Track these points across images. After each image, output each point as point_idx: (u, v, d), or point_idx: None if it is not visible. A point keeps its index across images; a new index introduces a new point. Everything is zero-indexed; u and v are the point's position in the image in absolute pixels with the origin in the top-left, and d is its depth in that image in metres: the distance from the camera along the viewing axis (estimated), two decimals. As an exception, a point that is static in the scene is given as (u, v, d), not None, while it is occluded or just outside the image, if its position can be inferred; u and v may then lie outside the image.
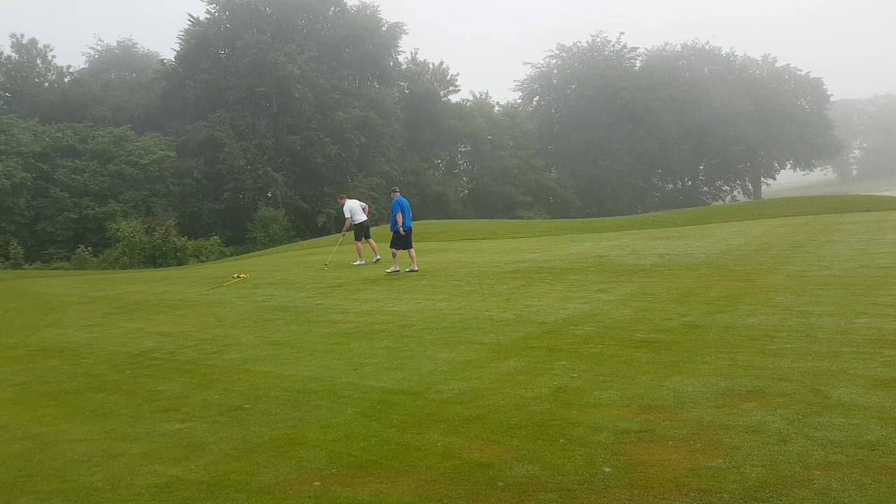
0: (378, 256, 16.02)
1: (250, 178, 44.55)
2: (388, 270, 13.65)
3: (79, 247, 33.58)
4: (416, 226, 30.49)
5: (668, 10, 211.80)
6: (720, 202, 69.23)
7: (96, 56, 62.73)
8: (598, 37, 70.43)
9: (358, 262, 15.85)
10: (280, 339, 8.31)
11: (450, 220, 36.95)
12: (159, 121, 48.56)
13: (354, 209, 15.93)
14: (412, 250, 13.86)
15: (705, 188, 76.17)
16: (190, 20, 51.50)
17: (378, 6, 56.91)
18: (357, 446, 4.40)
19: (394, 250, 13.71)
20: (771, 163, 77.74)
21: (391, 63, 57.25)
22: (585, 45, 70.94)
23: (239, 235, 43.43)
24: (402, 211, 13.63)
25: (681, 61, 73.68)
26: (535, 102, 73.12)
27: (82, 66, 60.77)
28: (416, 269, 13.62)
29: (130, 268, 28.09)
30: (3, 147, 37.68)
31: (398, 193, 14.15)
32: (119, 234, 31.78)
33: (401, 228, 13.62)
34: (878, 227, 15.32)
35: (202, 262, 29.99)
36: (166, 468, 4.28)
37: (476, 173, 62.09)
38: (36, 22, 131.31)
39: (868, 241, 12.73)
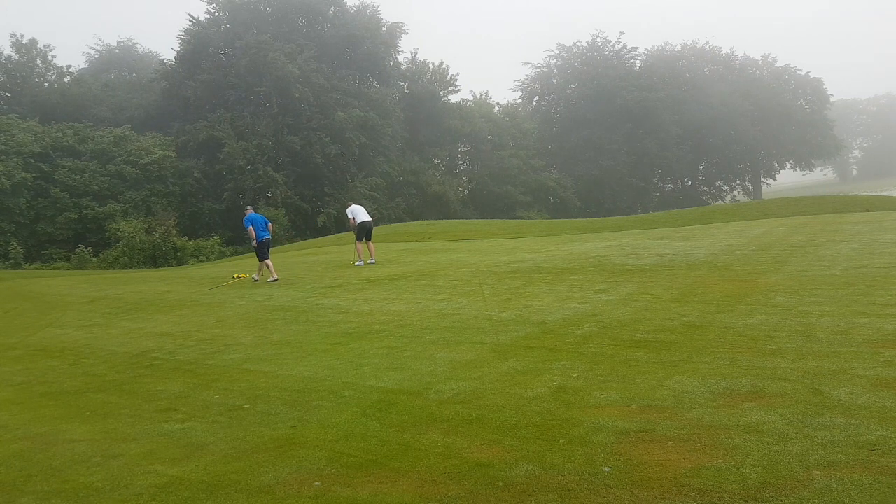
0: (373, 259, 16.14)
1: (250, 178, 44.55)
2: (269, 280, 14.38)
3: (79, 247, 33.58)
4: (417, 225, 30.60)
5: (667, 10, 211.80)
6: (720, 202, 69.24)
7: (96, 56, 62.74)
8: (598, 37, 70.55)
9: (358, 263, 15.91)
10: (280, 339, 8.31)
11: (450, 220, 36.97)
12: (159, 121, 48.55)
13: (356, 211, 16.45)
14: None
15: (705, 188, 76.22)
16: (190, 20, 51.53)
17: (378, 6, 57.01)
18: (357, 446, 4.40)
19: (260, 262, 14.76)
20: (771, 163, 77.82)
21: (391, 63, 57.24)
22: (585, 45, 71.03)
23: (239, 235, 43.27)
24: (255, 225, 14.64)
25: (681, 61, 73.75)
26: (535, 102, 73.15)
27: (82, 66, 60.81)
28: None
29: (130, 268, 28.10)
30: (3, 147, 37.66)
31: (251, 210, 15.51)
32: (119, 234, 31.80)
33: (254, 242, 14.74)
34: (878, 227, 15.31)
35: (202, 262, 29.99)
36: (166, 468, 4.28)
37: (476, 173, 62.07)
38: (36, 22, 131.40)
39: (868, 241, 12.72)
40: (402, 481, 3.80)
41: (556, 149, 68.28)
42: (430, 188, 54.68)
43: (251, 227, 14.68)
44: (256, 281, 14.63)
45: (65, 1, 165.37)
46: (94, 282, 18.84)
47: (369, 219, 16.52)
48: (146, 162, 41.53)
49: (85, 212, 38.83)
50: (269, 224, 15.34)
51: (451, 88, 61.30)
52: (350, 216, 16.41)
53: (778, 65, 76.54)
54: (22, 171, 37.17)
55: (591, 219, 36.31)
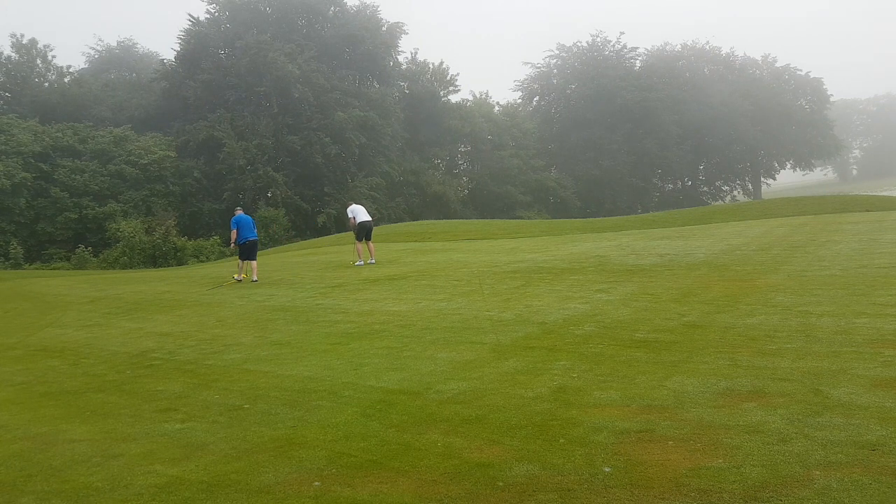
0: (373, 259, 16.15)
1: (250, 178, 44.55)
2: (234, 277, 15.11)
3: (79, 247, 33.59)
4: (416, 226, 30.59)
5: (668, 10, 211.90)
6: (720, 202, 69.23)
7: (96, 56, 62.75)
8: (598, 37, 70.56)
9: (358, 263, 15.92)
10: (280, 339, 8.31)
11: (450, 220, 36.96)
12: (159, 121, 48.56)
13: (356, 210, 16.52)
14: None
15: (705, 188, 76.21)
16: (190, 20, 51.57)
17: (378, 6, 57.04)
18: (357, 446, 4.40)
19: (240, 260, 15.38)
20: (771, 163, 77.82)
21: (391, 63, 57.25)
22: (585, 44, 71.03)
23: (239, 235, 43.37)
24: (240, 227, 15.12)
25: (681, 61, 73.76)
26: (535, 102, 73.14)
27: (82, 66, 60.82)
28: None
29: (130, 268, 28.10)
30: (3, 147, 37.66)
31: (240, 211, 15.95)
32: (119, 234, 31.82)
33: (233, 244, 15.37)
34: (878, 227, 15.31)
35: (202, 262, 29.99)
36: (166, 468, 4.28)
37: (476, 173, 62.07)
38: (36, 22, 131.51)
39: (868, 241, 12.72)
40: (402, 481, 3.80)
41: (556, 149, 68.28)
42: (430, 188, 54.68)
43: (236, 228, 15.14)
44: (255, 281, 14.64)
45: (65, 1, 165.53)
46: (94, 282, 18.84)
47: (369, 219, 16.57)
48: (146, 162, 41.53)
49: (85, 212, 38.83)
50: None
51: (451, 88, 61.33)
52: (350, 216, 16.48)
53: (778, 65, 76.57)
54: (22, 171, 37.17)
55: (591, 219, 36.31)
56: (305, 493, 3.75)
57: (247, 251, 15.03)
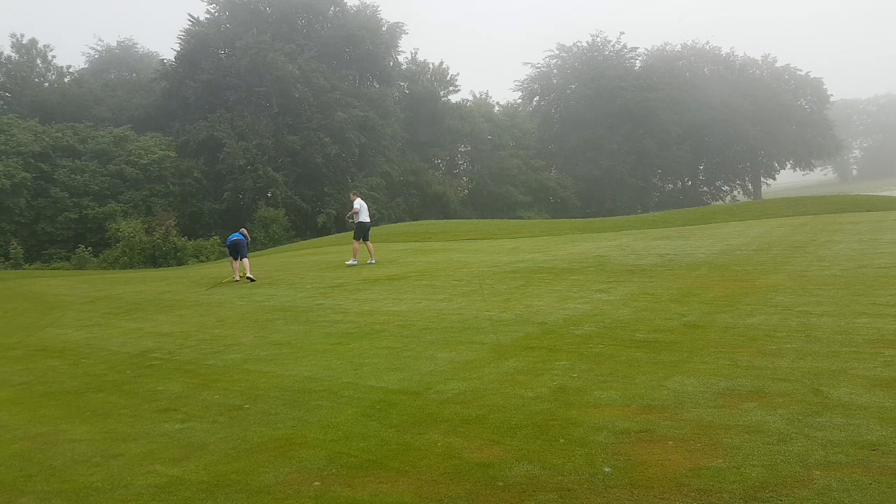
0: (373, 259, 16.11)
1: (250, 178, 44.53)
2: (234, 278, 15.56)
3: (79, 247, 33.60)
4: (417, 225, 30.59)
5: (667, 10, 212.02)
6: (720, 202, 69.20)
7: (96, 56, 62.77)
8: (598, 37, 70.50)
9: (350, 262, 15.87)
10: (280, 339, 8.31)
11: (450, 220, 36.94)
12: (159, 121, 48.55)
13: (362, 207, 16.38)
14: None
15: (705, 188, 76.17)
16: (190, 20, 51.56)
17: (378, 6, 56.98)
18: (357, 446, 4.40)
19: (233, 262, 16.24)
20: (771, 163, 77.75)
21: (391, 63, 57.22)
22: (585, 45, 70.99)
23: (239, 235, 43.32)
24: (229, 237, 16.50)
25: (681, 61, 73.72)
26: (535, 102, 73.11)
27: (82, 66, 60.85)
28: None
29: (130, 268, 28.09)
30: (3, 147, 37.65)
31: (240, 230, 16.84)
32: (119, 234, 31.83)
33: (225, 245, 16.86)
34: (878, 227, 15.30)
35: (202, 262, 29.99)
36: (166, 468, 4.28)
37: (476, 173, 62.04)
38: (36, 22, 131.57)
39: (868, 241, 12.71)
40: (402, 481, 3.80)
41: (556, 149, 68.27)
42: (430, 188, 54.66)
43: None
44: (251, 279, 14.69)
45: (65, 1, 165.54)
46: (94, 282, 18.83)
47: (369, 220, 16.51)
48: (146, 162, 41.53)
49: (85, 212, 38.82)
50: (245, 231, 16.87)
51: (451, 88, 61.24)
52: (356, 207, 16.29)
53: (778, 65, 76.51)
54: (22, 171, 37.15)
55: (591, 219, 36.30)
56: (305, 493, 3.75)
57: (232, 251, 15.86)
